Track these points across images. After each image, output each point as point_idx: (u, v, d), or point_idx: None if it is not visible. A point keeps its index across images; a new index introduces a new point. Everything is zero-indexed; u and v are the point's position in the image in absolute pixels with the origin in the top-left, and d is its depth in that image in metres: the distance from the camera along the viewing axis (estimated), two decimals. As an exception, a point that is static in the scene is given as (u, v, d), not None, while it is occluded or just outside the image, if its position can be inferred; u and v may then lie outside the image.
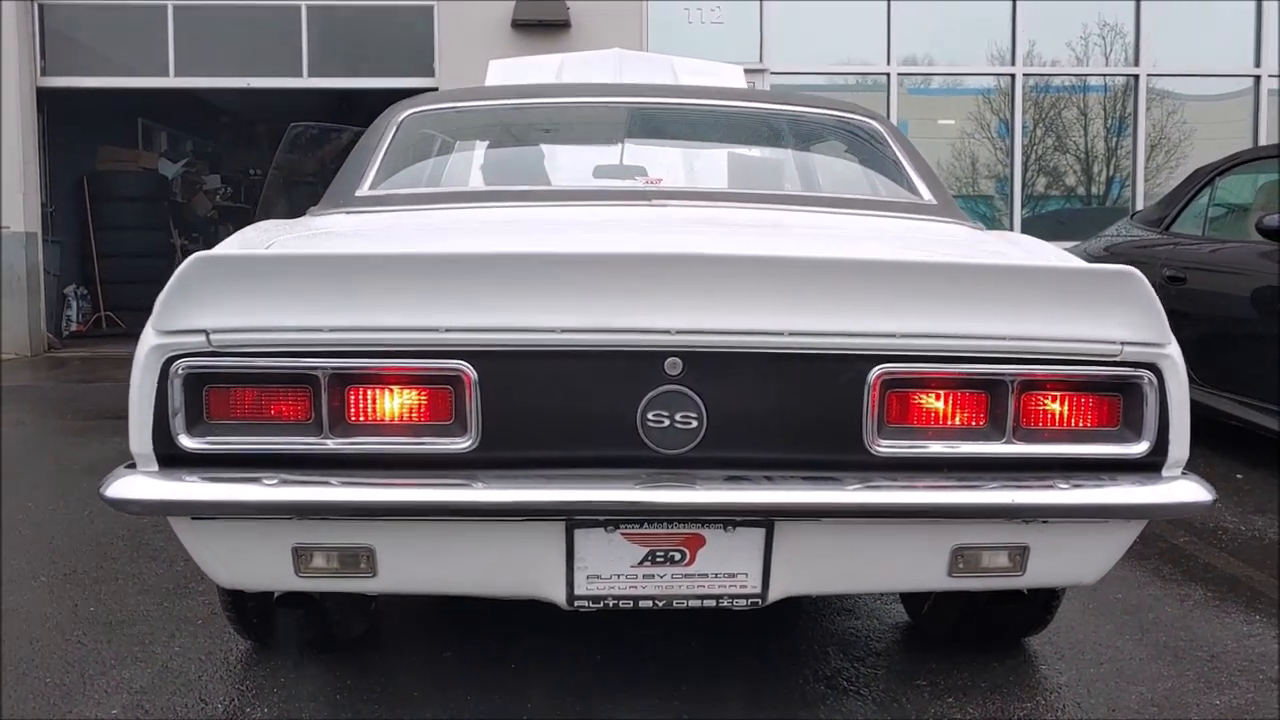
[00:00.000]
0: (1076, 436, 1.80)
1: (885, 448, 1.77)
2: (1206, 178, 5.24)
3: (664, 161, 2.88)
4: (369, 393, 1.75)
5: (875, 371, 1.75)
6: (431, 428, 1.76)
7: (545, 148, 2.93)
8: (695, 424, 1.74)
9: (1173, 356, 1.78)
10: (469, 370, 1.72)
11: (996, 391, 1.78)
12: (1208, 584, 3.14)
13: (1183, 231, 5.26)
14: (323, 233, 2.24)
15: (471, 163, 2.87)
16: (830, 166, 2.83)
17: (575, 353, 1.73)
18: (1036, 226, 9.66)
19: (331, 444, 1.75)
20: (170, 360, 1.72)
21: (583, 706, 2.33)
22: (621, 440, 1.76)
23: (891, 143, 2.72)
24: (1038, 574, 1.90)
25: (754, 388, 1.76)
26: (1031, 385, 1.78)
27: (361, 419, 1.76)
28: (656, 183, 2.51)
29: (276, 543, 1.81)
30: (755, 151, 2.98)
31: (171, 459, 1.76)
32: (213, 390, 1.75)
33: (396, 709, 2.33)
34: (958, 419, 1.80)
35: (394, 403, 1.76)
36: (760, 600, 1.87)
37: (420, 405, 1.76)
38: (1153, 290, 1.75)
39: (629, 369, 1.74)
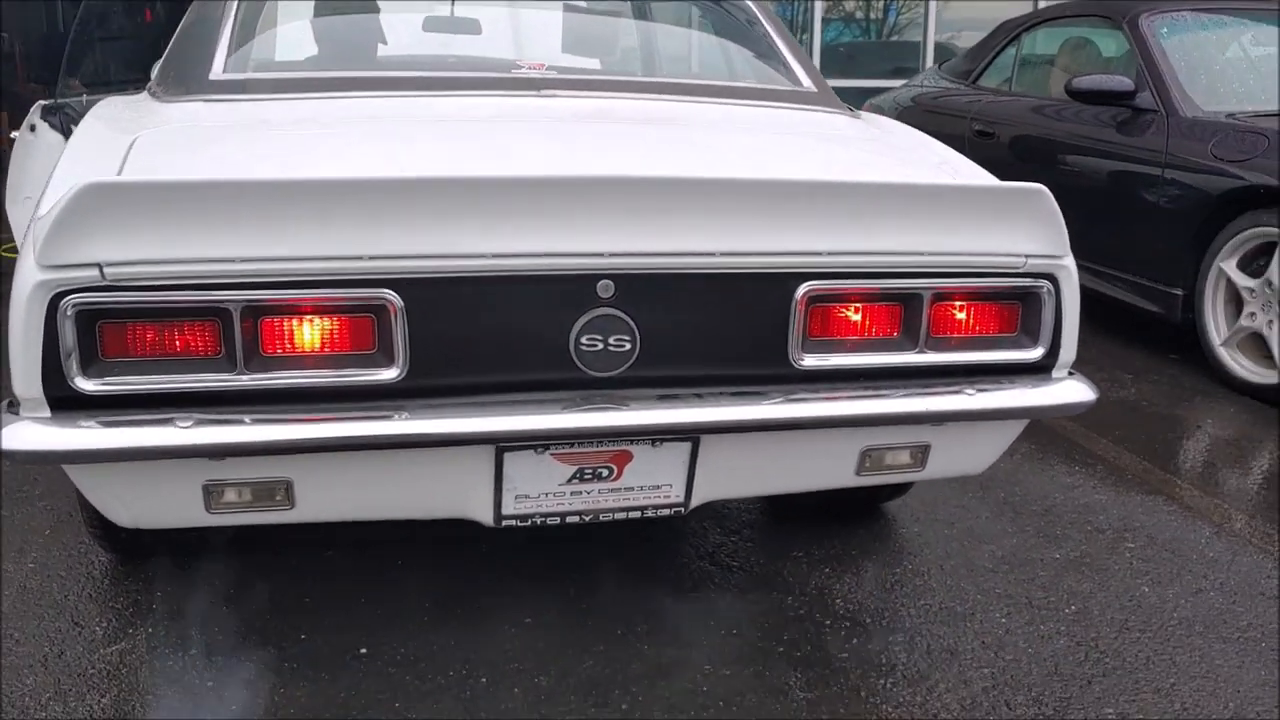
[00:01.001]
0: (980, 344, 1.90)
1: (809, 361, 1.82)
2: (1013, 32, 5.44)
3: (535, 38, 2.74)
4: (286, 325, 1.65)
5: (802, 289, 1.77)
6: (356, 358, 1.68)
7: (390, 17, 2.73)
8: (629, 346, 1.73)
9: (1069, 267, 1.89)
10: (395, 299, 1.64)
11: (911, 304, 1.85)
12: (1028, 439, 3.41)
13: (989, 85, 5.47)
14: (188, 128, 2.04)
15: (329, 38, 2.64)
16: (707, 47, 2.77)
17: (506, 278, 1.68)
18: (828, 60, 9.84)
19: (247, 380, 1.64)
20: (58, 296, 1.56)
21: (469, 599, 2.36)
22: (554, 364, 1.73)
23: (765, 23, 2.68)
24: (935, 468, 2.03)
25: (686, 308, 1.75)
26: (943, 297, 1.85)
27: (279, 352, 1.66)
28: (539, 68, 2.40)
29: (185, 482, 1.71)
30: (631, 34, 2.87)
31: (64, 401, 1.61)
32: (108, 327, 1.60)
33: (292, 615, 2.29)
34: (875, 331, 1.86)
35: (314, 334, 1.66)
36: (683, 509, 1.93)
37: (343, 336, 1.67)
38: (1056, 205, 1.83)
39: (561, 293, 1.70)
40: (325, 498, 1.79)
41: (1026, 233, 1.83)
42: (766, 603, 2.42)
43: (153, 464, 1.67)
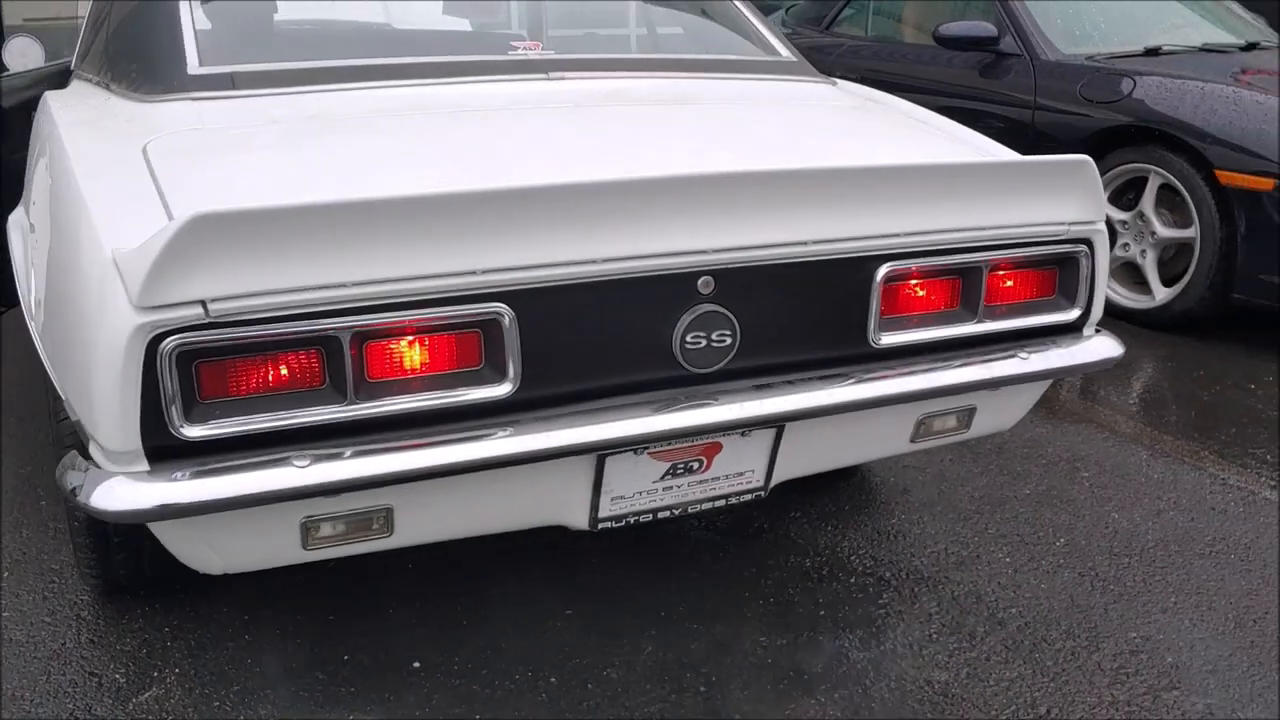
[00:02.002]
0: (1027, 309, 1.99)
1: (886, 339, 1.86)
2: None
3: (512, 12, 2.62)
4: (394, 348, 1.56)
5: (883, 269, 1.81)
6: (467, 376, 1.61)
7: None
8: (729, 341, 1.73)
9: (1102, 230, 2.00)
10: (507, 312, 1.58)
11: (970, 277, 1.91)
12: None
13: (845, 33, 5.62)
14: (198, 132, 1.87)
15: (295, 18, 2.45)
16: (683, 21, 2.73)
17: (614, 282, 1.64)
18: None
19: (356, 409, 1.54)
20: (158, 339, 1.42)
21: (498, 600, 2.33)
22: (659, 363, 1.71)
23: (728, -7, 2.68)
24: (977, 429, 2.12)
25: (780, 298, 1.76)
26: (997, 268, 1.92)
27: (387, 377, 1.57)
28: (535, 47, 2.31)
29: (284, 521, 1.61)
30: (610, 10, 2.78)
31: (163, 451, 1.48)
32: (207, 366, 1.47)
33: (322, 637, 2.19)
34: (940, 305, 1.92)
35: (423, 355, 1.58)
36: (763, 492, 1.95)
37: (451, 354, 1.59)
38: (1098, 174, 1.93)
39: (665, 293, 1.68)
40: (424, 522, 1.72)
41: (1070, 201, 1.92)
42: (787, 567, 2.48)
43: (256, 507, 1.56)
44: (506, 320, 1.58)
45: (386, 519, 1.67)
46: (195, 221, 1.35)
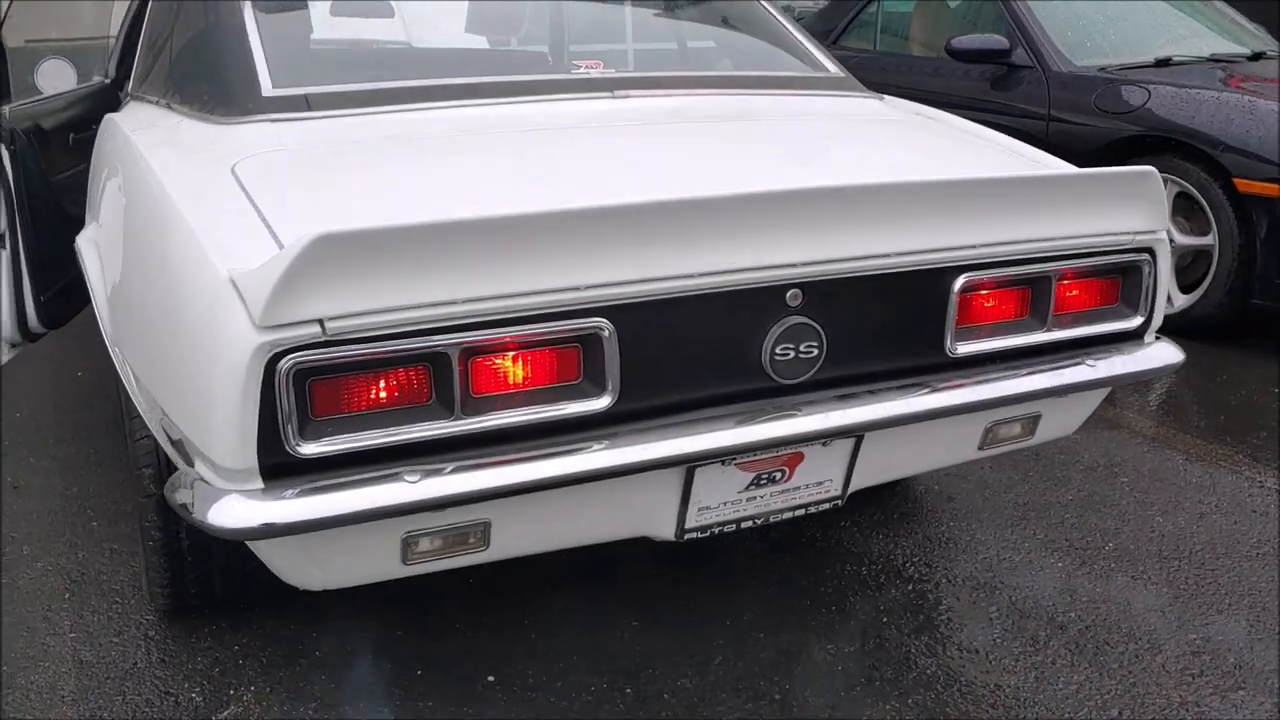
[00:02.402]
0: (1092, 318, 2.03)
1: (961, 348, 1.90)
2: (869, -9, 5.66)
3: (568, 33, 2.65)
4: (498, 364, 1.58)
5: (960, 280, 1.84)
6: (568, 390, 1.63)
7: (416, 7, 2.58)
8: (816, 352, 1.76)
9: (1165, 239, 2.04)
10: (607, 326, 1.60)
11: (1039, 286, 1.95)
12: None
13: (853, 45, 5.68)
14: (283, 153, 1.89)
15: (362, 39, 2.47)
16: (731, 37, 2.76)
17: (708, 296, 1.67)
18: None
19: (464, 424, 1.57)
20: (277, 358, 1.44)
21: (559, 611, 2.34)
22: (749, 375, 1.74)
23: (770, 10, 2.71)
24: (1041, 436, 2.16)
25: (863, 310, 1.79)
26: (1065, 277, 1.96)
27: (490, 392, 1.59)
28: (596, 66, 2.34)
29: (387, 536, 1.62)
30: (658, 24, 2.82)
31: (277, 469, 1.50)
32: (321, 384, 1.49)
33: (393, 652, 2.20)
34: (1011, 314, 1.95)
35: (527, 370, 1.60)
36: (840, 501, 1.98)
37: (551, 369, 1.62)
38: (1162, 184, 1.97)
39: (756, 306, 1.71)
40: (520, 535, 1.74)
41: (1136, 211, 1.96)
42: (844, 574, 2.51)
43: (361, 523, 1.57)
44: (606, 334, 1.60)
45: (484, 533, 1.69)
46: (319, 242, 1.37)
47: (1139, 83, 4.22)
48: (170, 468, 2.02)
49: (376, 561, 1.66)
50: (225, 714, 2.04)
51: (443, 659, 2.19)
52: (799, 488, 1.91)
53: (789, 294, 1.72)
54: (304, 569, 1.65)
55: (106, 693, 2.10)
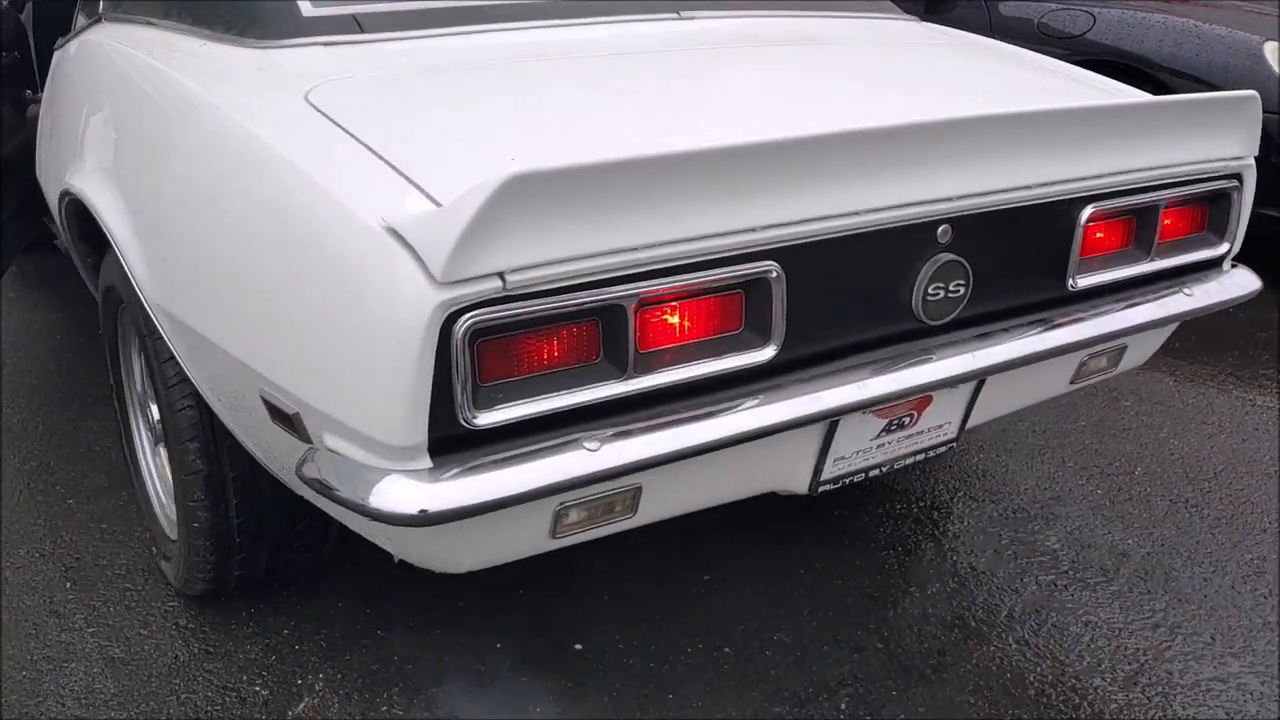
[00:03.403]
0: (1188, 245, 2.00)
1: (1082, 282, 1.84)
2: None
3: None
4: (670, 315, 1.43)
5: (1087, 211, 1.78)
6: (733, 341, 1.49)
7: None
8: (963, 291, 1.67)
9: (1253, 165, 2.02)
10: (776, 269, 1.47)
11: (1145, 216, 1.90)
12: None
13: None
14: (358, 79, 1.67)
15: None
16: None
17: (866, 234, 1.55)
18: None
19: (635, 383, 1.41)
20: (454, 316, 1.26)
21: (631, 576, 2.23)
22: (899, 317, 1.64)
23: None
24: (1123, 366, 2.13)
25: (1004, 244, 1.71)
26: (1168, 205, 1.92)
27: (661, 346, 1.44)
28: None
29: (542, 510, 1.47)
30: None
31: (445, 443, 1.32)
32: (490, 345, 1.32)
33: (454, 624, 2.05)
34: (1122, 245, 1.90)
35: (693, 321, 1.46)
36: (955, 443, 1.91)
37: (716, 318, 1.48)
38: (1261, 109, 1.94)
39: (909, 243, 1.60)
40: (667, 499, 1.60)
41: (1235, 137, 1.93)
42: (895, 515, 2.46)
43: (519, 497, 1.41)
44: (774, 278, 1.47)
45: (634, 499, 1.55)
46: (511, 183, 1.19)
47: (1084, 7, 4.25)
48: (219, 441, 1.81)
49: (528, 537, 1.51)
50: (301, 707, 1.85)
51: (516, 631, 2.05)
52: (922, 431, 1.83)
53: (940, 230, 1.62)
54: (456, 551, 1.48)
55: (156, 692, 1.88)
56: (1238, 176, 2.00)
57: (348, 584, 2.16)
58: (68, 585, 2.18)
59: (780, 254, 1.47)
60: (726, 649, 2.01)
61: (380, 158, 1.42)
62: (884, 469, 1.83)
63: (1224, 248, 2.05)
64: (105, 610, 2.10)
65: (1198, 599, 2.17)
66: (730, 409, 1.49)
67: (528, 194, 1.23)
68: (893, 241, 1.58)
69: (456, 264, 1.23)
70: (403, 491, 1.29)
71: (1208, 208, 2.03)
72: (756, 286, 1.48)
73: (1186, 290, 1.99)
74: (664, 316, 1.43)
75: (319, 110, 1.55)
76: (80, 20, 2.46)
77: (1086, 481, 2.62)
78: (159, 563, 2.17)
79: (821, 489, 1.76)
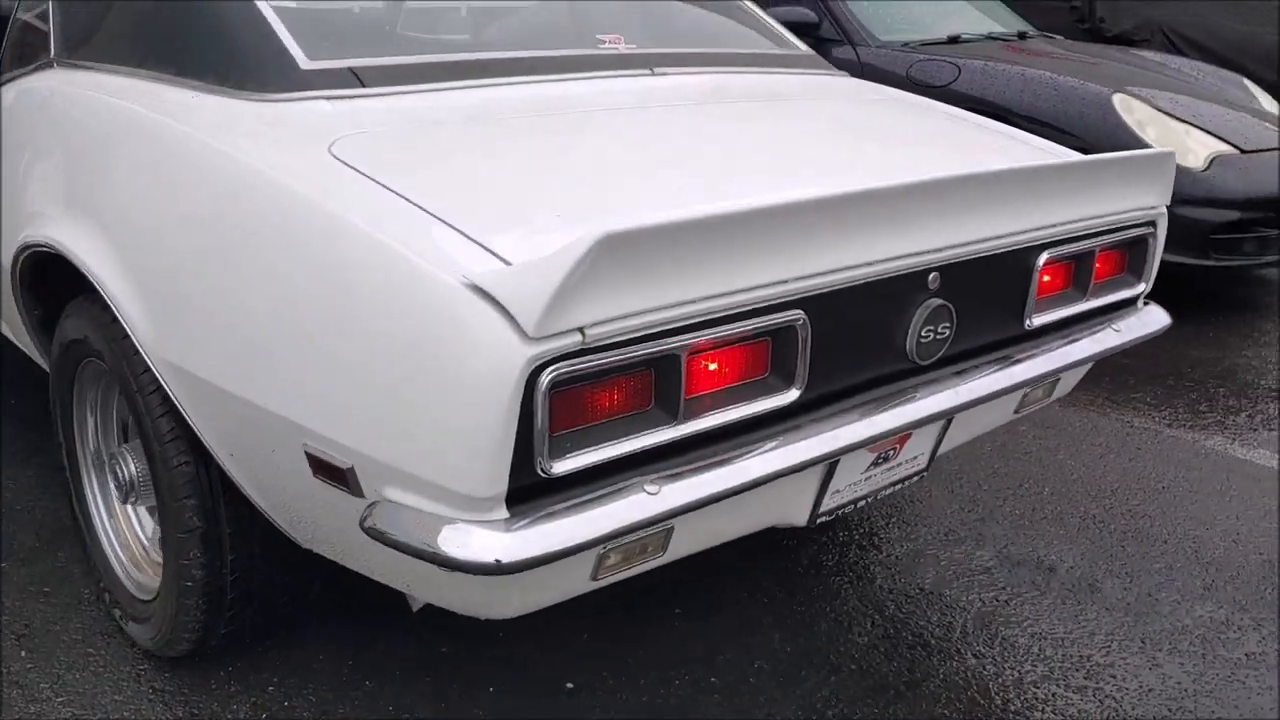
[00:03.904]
0: (1113, 286, 2.20)
1: (1035, 321, 2.01)
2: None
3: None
4: (712, 363, 1.51)
5: (1043, 256, 1.95)
6: (763, 385, 1.58)
7: None
8: (948, 332, 1.81)
9: (1165, 213, 2.25)
10: (802, 318, 1.58)
11: (1084, 260, 2.10)
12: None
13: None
14: (373, 132, 1.69)
15: (372, 9, 2.18)
16: (694, 13, 2.68)
17: (873, 283, 1.67)
18: None
19: (682, 428, 1.49)
20: (538, 370, 1.31)
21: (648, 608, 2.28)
22: (895, 358, 1.76)
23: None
24: (1054, 396, 2.33)
25: (981, 289, 1.86)
26: (1104, 249, 2.13)
27: (703, 392, 1.52)
28: (618, 41, 2.22)
29: (590, 552, 1.52)
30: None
31: (520, 492, 1.37)
32: (564, 395, 1.37)
33: (451, 667, 2.07)
34: (1065, 287, 2.09)
35: (730, 368, 1.54)
36: (925, 472, 2.05)
37: (747, 365, 1.57)
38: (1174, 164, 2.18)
39: (907, 289, 1.73)
40: (692, 537, 1.67)
41: (1154, 187, 2.14)
42: (835, 543, 2.59)
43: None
44: (801, 326, 1.58)
45: (666, 539, 1.62)
46: (604, 241, 1.26)
47: (949, 58, 4.56)
48: (216, 497, 1.79)
49: (572, 580, 1.55)
50: (308, 764, 1.83)
51: (506, 673, 2.07)
52: (901, 463, 1.96)
53: (930, 277, 1.76)
54: (508, 597, 1.51)
55: (154, 761, 1.83)
56: (1153, 224, 2.23)
57: (324, 635, 2.14)
58: (23, 654, 2.08)
59: (806, 303, 1.57)
60: (713, 679, 2.09)
61: (429, 213, 1.46)
62: (868, 500, 1.95)
63: (1141, 287, 2.26)
64: (71, 678, 2.02)
65: (1122, 607, 2.38)
66: (761, 449, 1.58)
67: (614, 251, 1.29)
68: (894, 288, 1.71)
69: (549, 320, 1.28)
70: (483, 542, 1.33)
71: (1128, 252, 2.24)
72: (783, 333, 1.58)
73: (1114, 327, 2.19)
74: (706, 364, 1.51)
75: (347, 164, 1.57)
76: (7, 65, 2.37)
77: (1004, 502, 2.82)
78: (124, 625, 2.10)
79: (819, 520, 1.87)
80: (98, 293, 1.85)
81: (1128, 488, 2.93)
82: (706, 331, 1.47)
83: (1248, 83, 5.03)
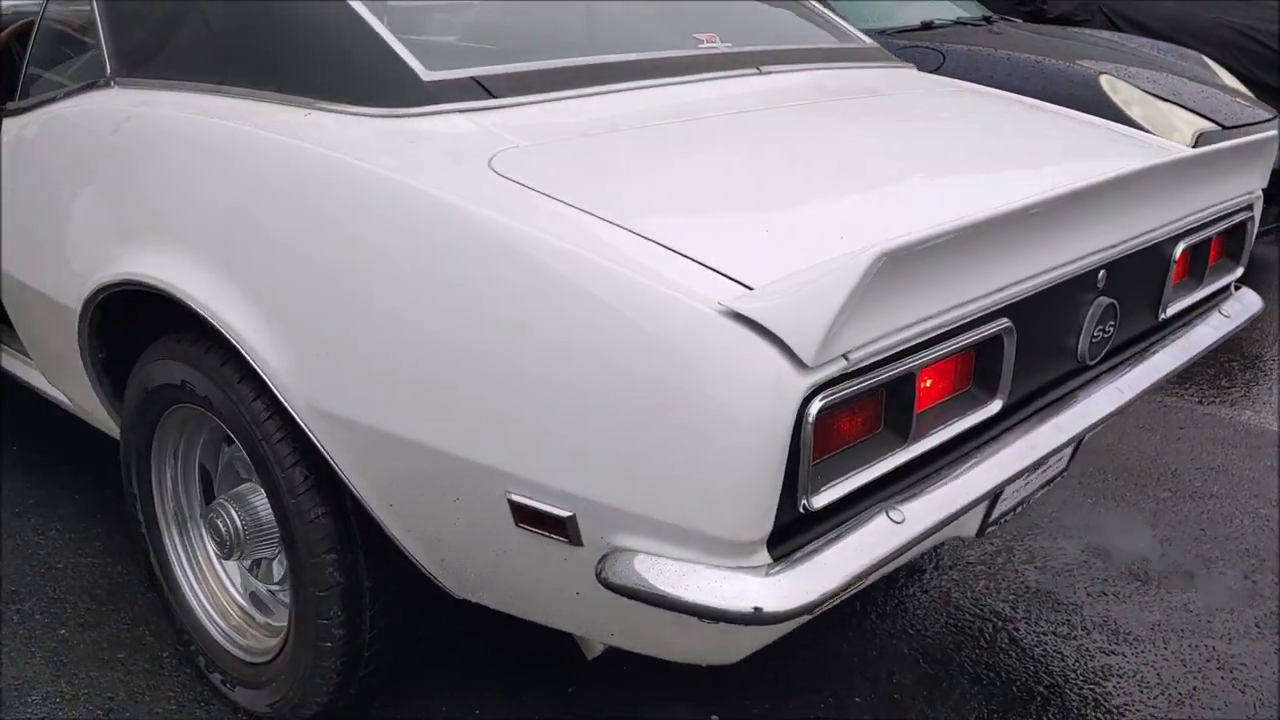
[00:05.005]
0: (1219, 271, 2.19)
1: (1171, 310, 1.99)
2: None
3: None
4: (932, 380, 1.44)
5: (1180, 246, 1.92)
6: (971, 398, 1.51)
7: None
8: (1113, 330, 1.77)
9: (1260, 195, 2.25)
10: (1010, 326, 1.51)
11: (1201, 246, 2.08)
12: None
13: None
14: (522, 145, 1.56)
15: (482, 15, 2.02)
16: (782, 14, 2.57)
17: (1059, 286, 1.61)
18: None
19: (913, 449, 1.41)
20: (808, 399, 1.22)
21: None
22: (1068, 359, 1.72)
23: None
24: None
25: (1133, 284, 1.82)
26: (1219, 234, 2.11)
27: (924, 410, 1.44)
28: (712, 39, 2.11)
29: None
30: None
31: (780, 531, 1.27)
32: (824, 425, 1.27)
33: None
34: (1189, 275, 2.07)
35: (948, 383, 1.47)
36: (1065, 471, 2.01)
37: (960, 379, 1.50)
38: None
39: (1079, 290, 1.68)
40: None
41: (1256, 171, 2.14)
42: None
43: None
44: (1008, 334, 1.51)
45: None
46: (882, 260, 1.17)
47: (933, 46, 4.55)
48: (356, 550, 1.65)
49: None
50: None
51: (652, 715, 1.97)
52: (1051, 465, 1.91)
53: (1099, 275, 1.71)
54: (739, 642, 1.42)
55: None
56: (1251, 206, 2.22)
57: (439, 681, 2.00)
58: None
59: (1012, 310, 1.51)
60: (857, 699, 2.01)
61: (637, 234, 1.34)
62: (1024, 505, 1.90)
63: (1239, 270, 2.26)
64: (179, 749, 1.85)
65: (1226, 592, 2.38)
66: (975, 463, 1.51)
67: (891, 269, 1.20)
68: (1071, 290, 1.66)
69: (826, 348, 1.19)
70: (756, 590, 1.23)
71: (1228, 236, 2.23)
72: (989, 344, 1.50)
73: (1222, 312, 2.18)
74: (927, 382, 1.43)
75: (522, 184, 1.44)
76: (46, 83, 2.16)
77: (1072, 492, 2.81)
78: (227, 690, 1.93)
79: (988, 530, 1.81)
80: (196, 333, 1.69)
81: (1185, 470, 2.95)
82: (938, 347, 1.40)
83: (1208, 60, 5.14)
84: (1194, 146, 4.12)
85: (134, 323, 1.94)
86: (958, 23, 5.06)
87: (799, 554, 1.28)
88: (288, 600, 1.88)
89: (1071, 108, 4.06)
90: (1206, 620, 2.27)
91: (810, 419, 1.22)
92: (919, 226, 1.27)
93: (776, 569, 1.25)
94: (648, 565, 1.27)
